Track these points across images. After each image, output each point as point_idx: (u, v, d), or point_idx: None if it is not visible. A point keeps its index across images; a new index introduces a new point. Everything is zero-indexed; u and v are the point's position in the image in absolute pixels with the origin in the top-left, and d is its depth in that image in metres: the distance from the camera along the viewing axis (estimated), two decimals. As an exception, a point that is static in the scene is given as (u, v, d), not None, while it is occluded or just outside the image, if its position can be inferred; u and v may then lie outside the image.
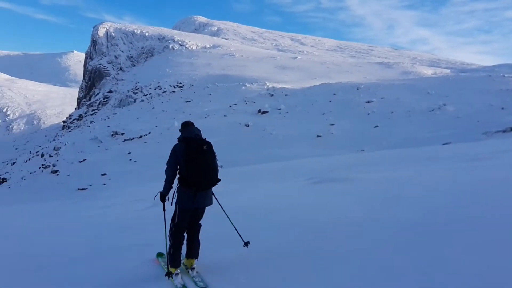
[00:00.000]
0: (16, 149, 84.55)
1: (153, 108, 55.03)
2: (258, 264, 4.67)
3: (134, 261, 5.41)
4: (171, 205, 4.66)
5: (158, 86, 66.98)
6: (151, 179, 23.85)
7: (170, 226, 4.73)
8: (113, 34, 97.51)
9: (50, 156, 39.18)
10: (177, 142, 4.78)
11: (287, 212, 6.98)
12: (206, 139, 4.68)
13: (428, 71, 70.43)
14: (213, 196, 4.83)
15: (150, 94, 65.44)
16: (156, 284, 4.55)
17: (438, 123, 29.84)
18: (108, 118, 58.15)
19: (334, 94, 42.58)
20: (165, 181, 4.67)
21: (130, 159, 32.59)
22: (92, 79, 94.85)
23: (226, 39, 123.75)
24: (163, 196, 4.68)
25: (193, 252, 4.79)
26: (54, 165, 35.35)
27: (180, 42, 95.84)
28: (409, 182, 8.39)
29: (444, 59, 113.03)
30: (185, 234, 4.78)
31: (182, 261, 4.84)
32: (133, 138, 38.77)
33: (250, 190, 11.36)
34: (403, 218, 5.48)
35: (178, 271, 4.58)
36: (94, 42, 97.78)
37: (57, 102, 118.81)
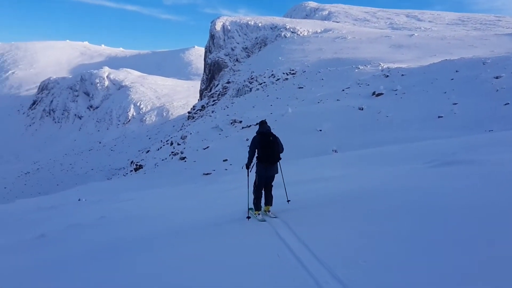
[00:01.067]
0: (149, 138, 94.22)
1: (268, 96, 56.62)
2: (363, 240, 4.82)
3: (237, 221, 6.58)
4: (249, 171, 7.52)
5: (272, 75, 68.57)
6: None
7: (253, 186, 7.53)
8: (229, 27, 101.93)
9: (178, 144, 42.91)
10: (255, 135, 7.34)
11: (403, 196, 6.86)
12: (273, 133, 7.30)
13: None
14: (279, 168, 7.53)
15: (264, 82, 67.37)
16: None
17: None
18: (227, 107, 61.37)
19: (456, 71, 39.20)
20: (248, 158, 7.26)
21: (248, 145, 34.23)
22: (212, 71, 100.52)
23: (338, 22, 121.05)
24: (247, 166, 7.42)
25: (268, 201, 7.49)
26: (182, 152, 38.70)
27: (291, 30, 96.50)
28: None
29: None
30: (263, 191, 7.51)
31: (262, 207, 7.55)
32: (250, 126, 40.52)
33: (367, 173, 11.30)
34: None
35: (260, 212, 7.39)
36: (212, 36, 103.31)
37: (182, 94, 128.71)
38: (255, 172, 7.36)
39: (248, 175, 7.67)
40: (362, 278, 3.95)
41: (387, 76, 45.49)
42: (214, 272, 4.83)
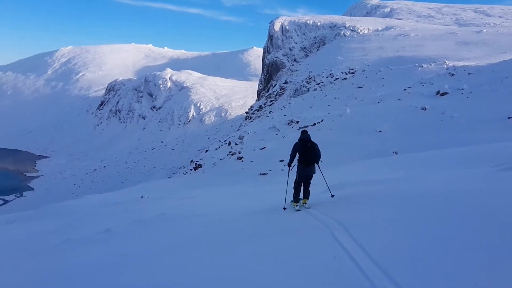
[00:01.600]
0: (208, 138, 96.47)
1: (326, 96, 55.94)
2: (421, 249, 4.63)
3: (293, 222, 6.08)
4: (290, 170, 9.06)
5: (330, 74, 67.65)
6: (324, 165, 24.58)
7: (294, 183, 8.92)
8: (287, 27, 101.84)
9: (236, 144, 43.56)
10: (297, 141, 8.89)
11: (469, 200, 6.50)
12: (312, 141, 8.83)
13: None
14: (317, 169, 8.93)
15: (322, 82, 66.62)
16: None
17: None
18: (284, 107, 61.39)
19: (530, 69, 36.50)
20: (290, 159, 8.88)
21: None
22: (270, 72, 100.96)
23: (400, 19, 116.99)
24: (288, 166, 8.98)
25: (306, 195, 8.96)
26: (239, 152, 39.25)
27: (351, 28, 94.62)
28: None
29: None
30: (302, 187, 8.94)
31: (300, 199, 8.95)
32: (307, 126, 40.25)
33: (430, 176, 10.85)
34: None
35: (298, 204, 8.83)
36: (270, 37, 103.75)
37: (240, 95, 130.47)
38: (296, 172, 8.90)
39: (288, 174, 9.35)
40: (422, 285, 3.80)
41: (453, 74, 43.27)
42: (270, 273, 4.86)
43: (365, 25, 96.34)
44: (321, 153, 8.82)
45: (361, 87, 52.85)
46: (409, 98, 39.22)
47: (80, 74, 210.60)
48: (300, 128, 40.99)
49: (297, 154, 8.74)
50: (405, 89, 43.02)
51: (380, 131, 31.67)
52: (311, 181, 9.00)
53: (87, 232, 11.43)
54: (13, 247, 11.07)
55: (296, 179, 8.90)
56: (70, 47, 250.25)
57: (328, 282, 4.30)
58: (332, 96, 54.14)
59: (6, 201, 68.93)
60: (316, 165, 8.86)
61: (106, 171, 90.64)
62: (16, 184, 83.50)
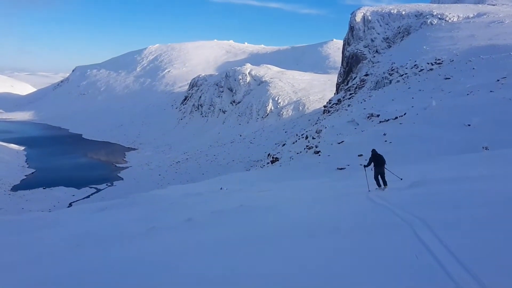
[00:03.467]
0: (285, 132, 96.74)
1: (409, 88, 53.36)
2: None
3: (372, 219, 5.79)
4: (366, 169, 13.58)
5: (415, 65, 64.28)
6: (407, 161, 23.51)
7: (373, 177, 13.01)
8: (369, 17, 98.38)
9: (313, 138, 43.21)
10: (371, 154, 13.39)
11: None
12: (380, 154, 13.32)
13: None
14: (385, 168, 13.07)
15: (406, 74, 63.55)
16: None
17: None
18: (364, 101, 59.63)
19: None
20: (368, 163, 13.41)
21: (386, 140, 32.78)
22: (350, 64, 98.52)
23: (494, 5, 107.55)
24: (365, 167, 13.82)
25: (385, 183, 12.82)
26: (316, 146, 38.91)
27: (439, 16, 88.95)
28: None
29: None
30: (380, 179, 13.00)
31: (382, 185, 12.87)
32: (388, 120, 38.75)
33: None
34: None
35: (377, 188, 12.75)
36: (351, 28, 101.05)
37: (319, 88, 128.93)
38: (371, 169, 13.38)
39: (365, 171, 13.96)
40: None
41: (557, 63, 39.04)
42: (349, 270, 4.79)
43: (454, 12, 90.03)
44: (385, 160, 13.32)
45: (449, 78, 49.61)
46: (503, 89, 36.13)
47: (166, 70, 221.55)
48: (380, 122, 39.60)
49: (372, 161, 13.27)
50: (498, 80, 39.68)
51: (469, 125, 29.58)
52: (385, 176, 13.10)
53: (170, 220, 12.08)
54: (106, 232, 12.02)
55: (374, 174, 13.21)
56: (157, 45, 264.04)
57: (408, 281, 4.14)
58: (416, 88, 51.48)
59: (98, 190, 74.94)
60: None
61: (188, 163, 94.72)
62: (107, 174, 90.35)
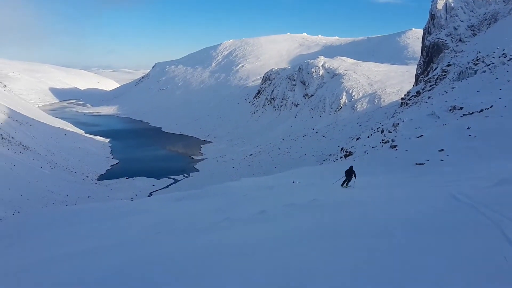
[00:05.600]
0: (359, 125, 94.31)
1: (496, 78, 49.38)
2: None
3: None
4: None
5: (503, 54, 59.24)
6: (494, 156, 21.87)
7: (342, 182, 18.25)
8: (452, 4, 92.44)
9: (389, 132, 41.65)
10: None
11: None
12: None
13: None
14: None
15: (493, 63, 58.78)
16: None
17: None
18: (446, 92, 56.27)
19: None
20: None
21: (470, 135, 30.67)
22: (430, 54, 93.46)
23: None
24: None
25: (350, 182, 17.95)
26: (393, 140, 37.46)
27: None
28: None
29: None
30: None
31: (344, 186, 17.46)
32: (472, 113, 36.22)
33: None
34: None
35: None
36: (432, 16, 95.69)
37: (396, 80, 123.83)
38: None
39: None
40: None
41: None
42: (438, 268, 4.58)
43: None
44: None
45: (544, 67, 45.17)
46: None
47: (240, 65, 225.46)
48: (464, 115, 37.16)
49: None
50: None
51: None
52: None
53: (244, 212, 12.32)
54: (185, 222, 12.57)
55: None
56: (231, 40, 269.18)
57: (499, 285, 3.85)
58: (504, 78, 47.49)
59: (176, 181, 79.00)
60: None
61: (261, 156, 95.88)
62: (184, 165, 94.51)
